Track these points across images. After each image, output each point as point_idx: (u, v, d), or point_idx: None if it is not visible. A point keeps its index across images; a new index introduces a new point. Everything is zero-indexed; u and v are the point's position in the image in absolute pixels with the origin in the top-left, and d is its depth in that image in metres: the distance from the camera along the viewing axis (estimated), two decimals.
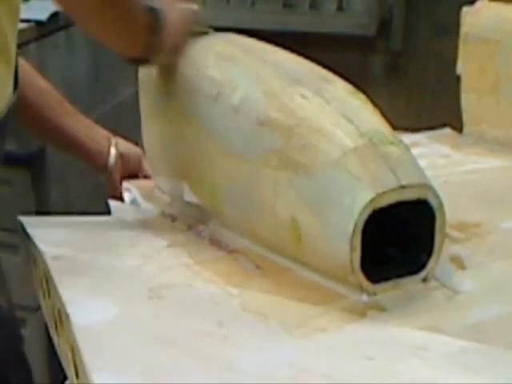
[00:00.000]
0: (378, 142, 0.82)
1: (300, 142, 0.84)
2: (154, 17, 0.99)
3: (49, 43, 1.59)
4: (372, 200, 0.77)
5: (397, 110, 2.00)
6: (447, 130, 1.40)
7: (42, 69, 1.56)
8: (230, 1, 2.00)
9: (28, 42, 1.49)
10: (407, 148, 0.84)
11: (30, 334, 1.57)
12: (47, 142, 1.35)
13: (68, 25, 1.64)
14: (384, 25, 2.08)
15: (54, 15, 1.58)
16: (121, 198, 1.16)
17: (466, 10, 1.35)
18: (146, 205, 1.12)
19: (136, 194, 1.16)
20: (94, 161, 1.18)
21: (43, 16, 1.54)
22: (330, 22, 2.03)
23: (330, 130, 0.83)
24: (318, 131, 0.84)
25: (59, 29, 1.62)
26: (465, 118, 1.36)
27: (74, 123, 1.17)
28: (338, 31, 2.04)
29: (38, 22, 1.53)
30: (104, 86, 1.82)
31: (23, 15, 1.43)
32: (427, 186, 0.80)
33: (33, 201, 1.51)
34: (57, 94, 1.18)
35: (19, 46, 1.22)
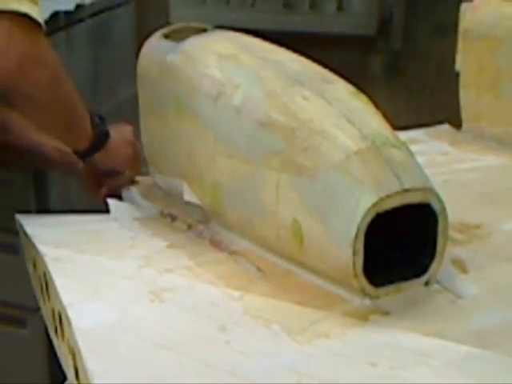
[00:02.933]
0: (381, 144, 0.81)
1: (302, 144, 0.84)
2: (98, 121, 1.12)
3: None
4: (375, 204, 0.77)
5: (397, 109, 1.99)
6: (445, 126, 1.40)
7: None
8: (230, 1, 1.99)
9: None
10: (410, 151, 0.84)
11: (29, 334, 1.56)
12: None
13: (68, 25, 1.64)
14: (384, 25, 2.08)
15: (54, 15, 1.57)
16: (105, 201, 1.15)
17: (464, 6, 1.35)
18: (144, 203, 1.12)
19: (134, 192, 1.16)
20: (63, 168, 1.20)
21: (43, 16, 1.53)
22: (329, 22, 2.02)
23: (332, 132, 0.83)
24: (320, 134, 0.83)
25: (59, 29, 1.61)
26: (463, 114, 1.36)
27: (39, 138, 1.18)
28: (338, 31, 2.04)
29: None
30: (104, 85, 1.81)
31: None
32: (430, 190, 0.80)
33: (33, 201, 1.50)
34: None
35: None
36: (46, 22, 1.53)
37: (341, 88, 0.90)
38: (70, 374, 0.83)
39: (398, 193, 0.78)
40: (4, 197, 1.46)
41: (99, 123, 1.13)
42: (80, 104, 1.08)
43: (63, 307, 0.83)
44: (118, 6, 1.91)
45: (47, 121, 1.07)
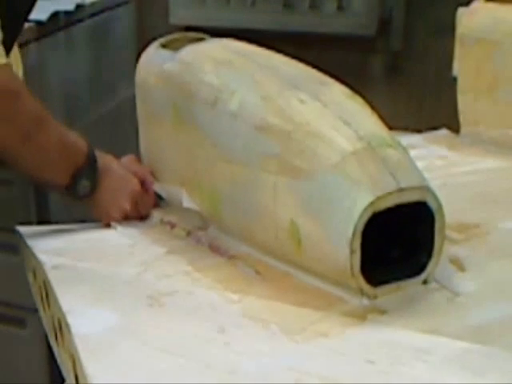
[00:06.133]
0: (377, 145, 0.82)
1: (298, 146, 0.84)
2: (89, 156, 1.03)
3: (49, 43, 1.58)
4: (372, 203, 0.77)
5: (397, 110, 2.00)
6: (444, 131, 1.40)
7: (41, 69, 1.56)
8: (230, 1, 1.99)
9: (28, 42, 1.49)
10: (406, 150, 0.85)
11: (29, 334, 1.57)
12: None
13: (68, 25, 1.64)
14: (384, 25, 2.07)
15: (54, 15, 1.58)
16: None
17: (461, 11, 1.35)
18: None
19: None
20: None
21: (43, 16, 1.54)
22: (329, 22, 2.02)
23: (328, 134, 0.83)
24: (317, 136, 0.84)
25: (59, 29, 1.62)
26: (461, 118, 1.36)
27: None
28: (338, 31, 2.03)
29: (38, 22, 1.53)
30: (104, 86, 1.82)
31: None
32: (426, 188, 0.80)
33: (33, 201, 1.51)
34: None
35: (19, 46, 1.22)
36: (46, 22, 1.55)
37: (336, 90, 0.91)
38: (70, 380, 0.83)
39: (394, 192, 0.78)
40: (4, 197, 1.46)
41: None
42: (64, 137, 1.02)
43: (63, 314, 0.83)
44: (118, 5, 1.91)
45: (31, 166, 1.01)
